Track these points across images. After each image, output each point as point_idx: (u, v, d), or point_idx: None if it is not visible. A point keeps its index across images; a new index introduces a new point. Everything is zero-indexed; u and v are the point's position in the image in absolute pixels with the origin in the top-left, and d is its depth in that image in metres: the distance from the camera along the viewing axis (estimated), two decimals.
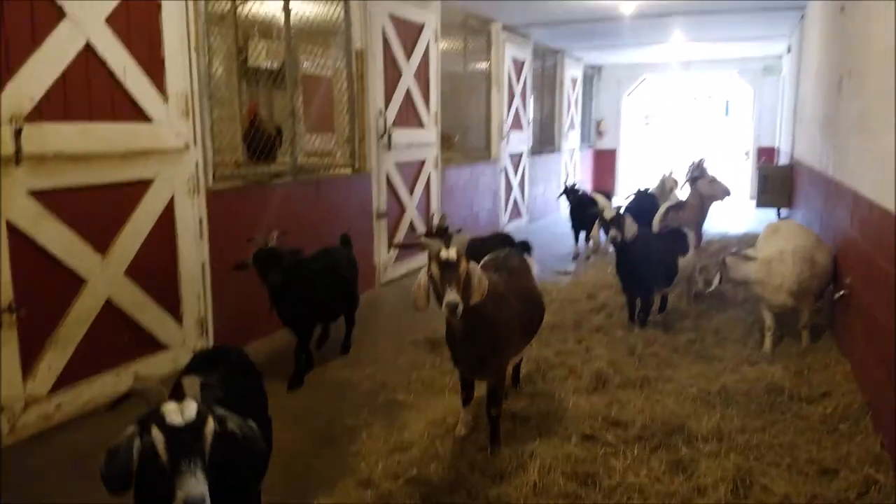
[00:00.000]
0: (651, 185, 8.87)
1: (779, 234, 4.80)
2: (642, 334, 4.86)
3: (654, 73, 15.40)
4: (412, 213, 7.50)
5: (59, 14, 3.48)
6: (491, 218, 9.89)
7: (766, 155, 13.47)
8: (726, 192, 6.90)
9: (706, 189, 6.46)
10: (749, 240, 8.50)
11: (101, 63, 3.71)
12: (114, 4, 3.76)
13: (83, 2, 3.58)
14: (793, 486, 2.84)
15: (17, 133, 3.27)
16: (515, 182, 10.80)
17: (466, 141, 9.40)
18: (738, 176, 15.50)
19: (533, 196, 11.64)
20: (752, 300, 5.24)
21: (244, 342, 4.66)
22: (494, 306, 2.95)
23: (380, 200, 6.83)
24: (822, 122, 6.38)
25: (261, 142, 5.38)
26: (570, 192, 8.38)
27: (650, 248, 4.99)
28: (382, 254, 6.95)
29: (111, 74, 3.77)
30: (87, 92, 3.65)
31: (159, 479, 1.45)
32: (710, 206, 6.96)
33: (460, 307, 2.66)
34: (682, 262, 5.09)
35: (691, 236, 5.36)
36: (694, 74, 15.72)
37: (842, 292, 4.30)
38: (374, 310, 6.02)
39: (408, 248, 3.42)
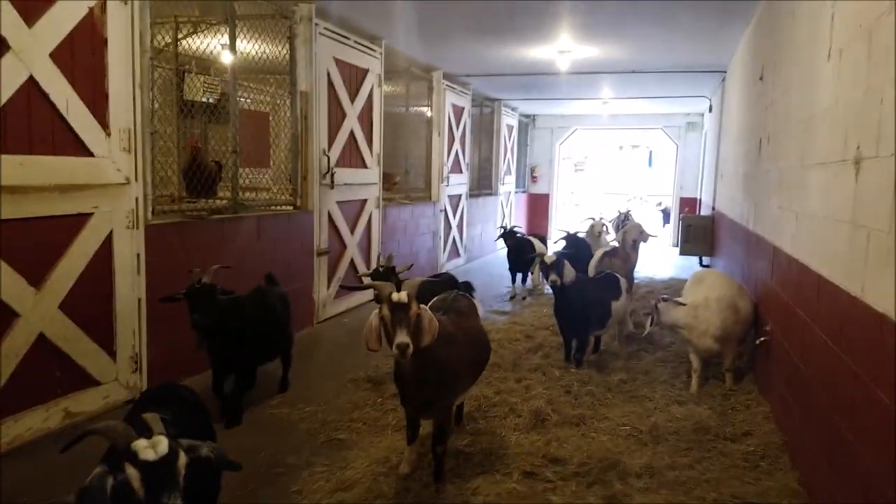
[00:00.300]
0: (580, 228, 9.27)
1: (704, 282, 5.12)
2: (578, 374, 5.04)
3: (585, 125, 16.24)
4: (353, 251, 7.56)
5: (4, 47, 3.45)
6: (430, 257, 10.05)
7: (688, 205, 14.33)
8: (647, 238, 7.33)
9: (634, 234, 6.82)
10: (674, 285, 9.00)
11: (44, 97, 3.67)
12: (59, 39, 3.74)
13: (28, 35, 3.55)
14: None
15: None
16: (454, 223, 11.05)
17: (407, 181, 9.59)
18: (661, 223, 16.40)
19: (471, 236, 11.92)
20: (679, 343, 5.56)
21: (178, 379, 4.54)
22: (443, 348, 3.02)
23: (321, 238, 6.87)
24: (742, 179, 6.84)
25: (202, 177, 5.36)
26: (509, 236, 8.66)
27: (586, 291, 5.24)
28: (322, 291, 6.95)
29: (54, 108, 3.72)
30: (27, 125, 3.59)
31: None
32: (637, 251, 7.34)
33: (410, 349, 2.72)
34: (615, 305, 5.33)
35: (623, 281, 5.64)
36: (621, 127, 16.65)
37: (762, 339, 4.57)
38: (313, 347, 6.00)
39: (357, 289, 3.44)
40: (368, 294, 7.93)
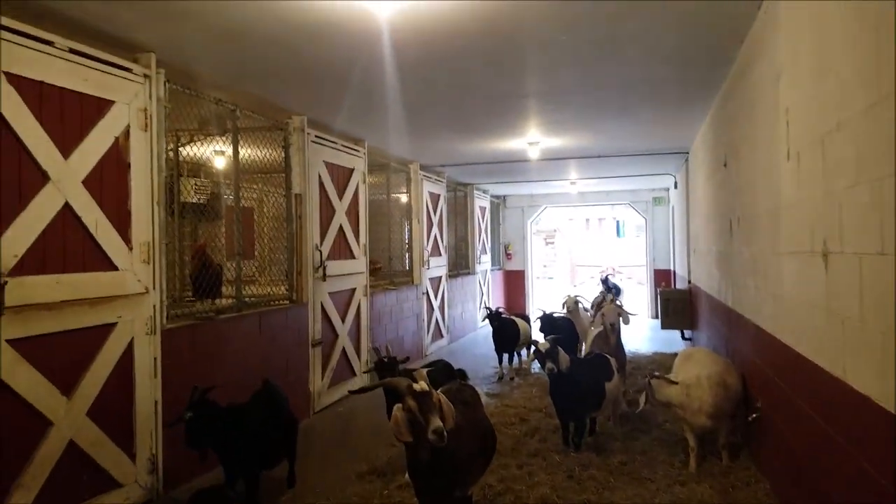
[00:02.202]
0: (555, 306, 9.51)
1: (692, 360, 5.28)
2: (578, 458, 5.14)
3: (554, 203, 17.10)
4: (344, 340, 7.89)
5: (44, 178, 3.87)
6: (415, 340, 10.38)
7: (662, 277, 14.92)
8: (627, 320, 7.50)
9: (612, 317, 7.00)
10: (659, 359, 9.29)
11: (77, 219, 4.07)
12: (90, 167, 4.19)
13: (64, 166, 4.00)
14: None
15: (1, 287, 3.53)
16: (436, 304, 11.46)
17: (390, 266, 10.05)
18: (637, 295, 16.98)
19: (452, 316, 12.31)
20: (672, 420, 5.69)
21: (191, 478, 4.77)
22: (456, 439, 3.14)
23: (315, 329, 7.20)
24: (717, 257, 7.06)
25: (209, 280, 5.74)
26: (494, 317, 8.89)
27: (580, 374, 5.39)
28: (317, 381, 7.21)
29: (85, 229, 4.12)
30: (62, 246, 3.98)
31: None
32: (618, 332, 7.53)
33: (446, 433, 2.88)
34: (609, 386, 5.51)
35: (613, 361, 5.85)
36: (590, 204, 17.52)
37: (754, 415, 4.66)
38: (313, 438, 6.15)
39: (372, 389, 3.66)
40: (361, 381, 8.23)
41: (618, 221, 35.71)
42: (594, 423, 5.82)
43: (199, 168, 8.10)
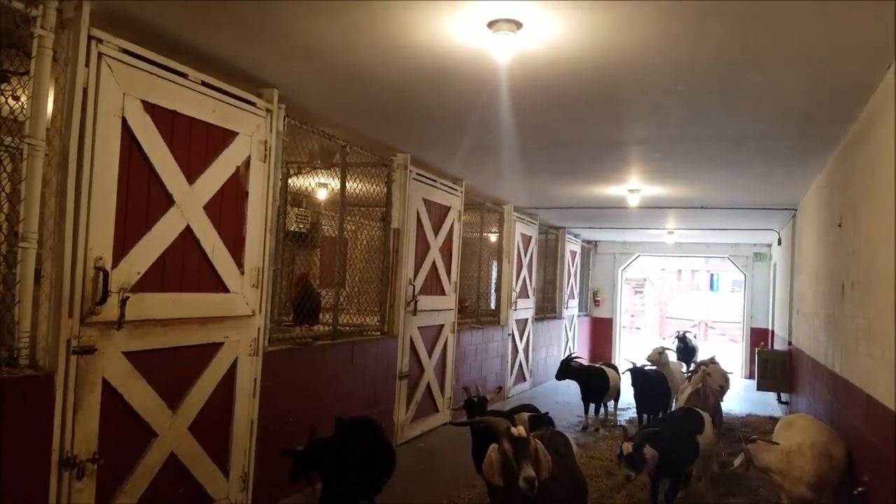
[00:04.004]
0: (642, 358, 9.06)
1: (794, 427, 5.03)
2: None
3: (648, 252, 16.58)
4: (430, 375, 7.89)
5: (170, 201, 4.14)
6: (498, 381, 10.22)
7: (759, 336, 14.10)
8: (717, 389, 7.11)
9: (720, 380, 6.67)
10: (753, 421, 8.81)
11: (196, 243, 4.32)
12: (212, 194, 4.46)
13: (189, 192, 4.27)
14: None
15: (123, 302, 3.77)
16: (521, 346, 11.29)
17: (478, 306, 10.02)
18: (730, 356, 16.05)
19: (536, 360, 12.07)
20: (767, 487, 5.40)
21: (281, 497, 4.88)
22: (549, 489, 3.08)
23: (403, 362, 7.26)
24: (825, 321, 6.66)
25: (310, 306, 5.93)
26: (579, 368, 8.66)
27: (675, 430, 5.18)
28: (402, 413, 7.23)
29: (202, 252, 4.37)
30: (181, 267, 4.22)
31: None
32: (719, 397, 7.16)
33: (537, 482, 2.83)
34: (701, 439, 5.28)
35: (706, 416, 5.60)
36: (686, 255, 16.87)
37: (860, 489, 4.39)
38: (396, 472, 6.16)
39: (471, 424, 3.69)
40: (443, 417, 8.20)
41: (712, 275, 34.14)
42: (688, 478, 5.57)
43: (300, 198, 8.50)
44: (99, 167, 3.59)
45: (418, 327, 7.58)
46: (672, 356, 9.74)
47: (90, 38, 3.50)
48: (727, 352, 17.86)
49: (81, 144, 3.49)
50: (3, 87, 3.66)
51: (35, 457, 3.32)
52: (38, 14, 3.32)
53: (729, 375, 6.80)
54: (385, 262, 7.03)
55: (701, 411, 5.70)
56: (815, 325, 7.42)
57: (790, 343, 10.07)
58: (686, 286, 32.82)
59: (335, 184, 7.39)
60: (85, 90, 3.49)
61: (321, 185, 8.37)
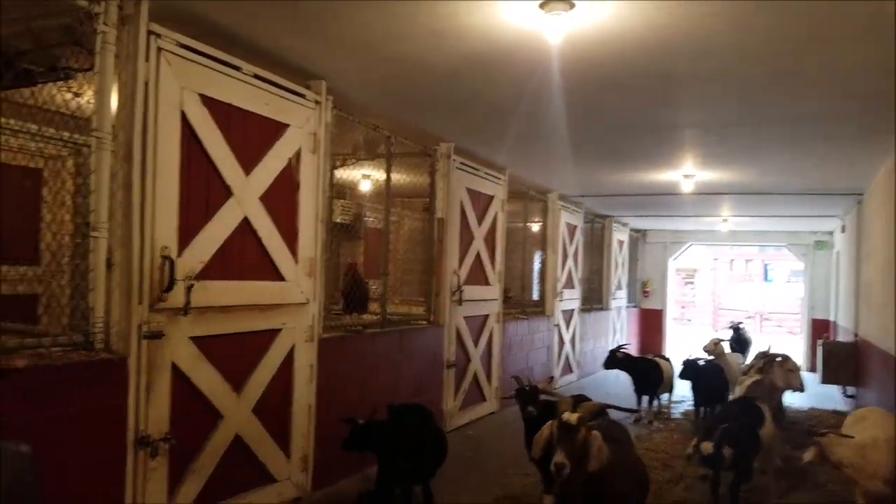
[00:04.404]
0: (694, 351, 8.83)
1: (867, 421, 4.85)
2: None
3: (700, 241, 16.18)
4: (476, 364, 7.93)
5: (228, 193, 4.28)
6: (545, 372, 10.16)
7: (820, 327, 13.65)
8: (800, 388, 6.85)
9: (781, 378, 6.48)
10: (817, 415, 8.54)
11: (253, 232, 4.46)
12: (267, 185, 4.59)
13: (245, 183, 4.40)
14: None
15: (188, 289, 3.92)
16: (567, 337, 11.21)
17: (523, 296, 9.99)
18: (789, 348, 15.53)
19: (583, 352, 11.97)
20: (836, 482, 5.25)
21: (339, 479, 5.04)
22: (610, 478, 3.07)
23: (449, 351, 7.31)
24: None
25: (359, 295, 6.03)
26: (630, 359, 8.55)
27: (738, 422, 4.98)
28: (449, 402, 7.29)
29: (259, 242, 4.50)
30: (240, 256, 4.37)
31: None
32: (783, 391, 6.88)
33: (567, 469, 2.85)
34: (763, 433, 5.11)
35: (766, 408, 5.42)
36: (741, 244, 16.38)
37: None
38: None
39: (529, 401, 3.84)
40: (491, 407, 8.22)
41: (766, 265, 33.10)
42: (750, 473, 5.32)
43: (345, 190, 8.65)
44: (161, 159, 3.74)
45: (464, 317, 7.62)
46: (726, 348, 9.51)
47: (149, 33, 3.64)
48: (785, 344, 17.31)
49: (144, 137, 3.65)
50: (69, 84, 3.85)
51: (112, 435, 3.51)
52: (101, 11, 3.47)
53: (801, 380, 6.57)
54: (429, 252, 7.09)
55: (760, 403, 5.50)
56: (887, 317, 7.12)
57: (856, 335, 9.71)
58: (739, 276, 31.92)
59: (378, 175, 7.47)
60: (146, 84, 3.64)
61: (365, 177, 8.49)
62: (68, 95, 3.65)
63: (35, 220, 4.46)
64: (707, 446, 4.72)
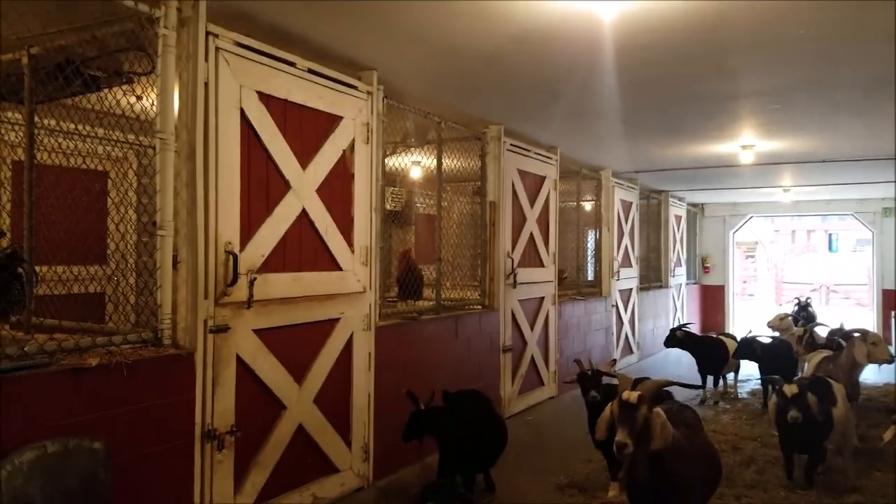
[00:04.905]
0: (757, 328, 8.49)
1: None
2: (806, 495, 4.72)
3: (762, 213, 15.56)
4: (533, 348, 7.87)
5: (286, 187, 4.34)
6: (604, 354, 10.03)
7: (892, 298, 13.03)
8: (889, 359, 6.53)
9: (861, 354, 6.15)
10: (893, 391, 8.13)
11: (311, 224, 4.51)
12: (322, 177, 4.63)
13: (302, 176, 4.45)
14: None
15: (251, 283, 4.01)
16: (626, 318, 11.00)
17: (578, 277, 9.84)
18: (859, 320, 14.87)
19: (643, 332, 11.73)
20: None
21: (399, 468, 5.08)
22: (677, 460, 3.06)
23: (505, 336, 7.28)
24: None
25: (414, 282, 6.06)
26: (691, 338, 8.33)
27: (808, 401, 4.83)
28: (507, 387, 7.28)
29: (317, 233, 4.56)
30: (299, 248, 4.44)
31: None
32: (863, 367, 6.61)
33: (628, 448, 2.85)
34: (835, 412, 4.93)
35: (838, 387, 5.20)
36: (805, 214, 15.71)
37: None
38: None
39: (590, 386, 3.88)
40: (549, 391, 8.17)
41: (830, 234, 31.66)
42: (823, 454, 5.21)
43: (395, 178, 8.66)
44: (223, 157, 3.82)
45: (519, 300, 7.56)
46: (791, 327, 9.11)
47: (208, 34, 3.70)
48: (854, 316, 16.59)
49: (206, 136, 3.72)
50: (133, 87, 3.96)
51: (181, 429, 3.63)
52: (161, 14, 3.54)
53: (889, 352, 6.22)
54: (482, 235, 7.04)
55: (832, 381, 5.27)
56: None
57: None
58: (802, 248, 30.63)
59: (428, 161, 7.44)
60: (206, 84, 3.71)
61: (415, 164, 8.48)
62: (132, 99, 3.75)
63: (103, 220, 4.64)
64: (791, 388, 4.69)
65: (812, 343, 7.19)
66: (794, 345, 7.55)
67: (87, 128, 3.90)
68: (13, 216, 4.28)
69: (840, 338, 6.55)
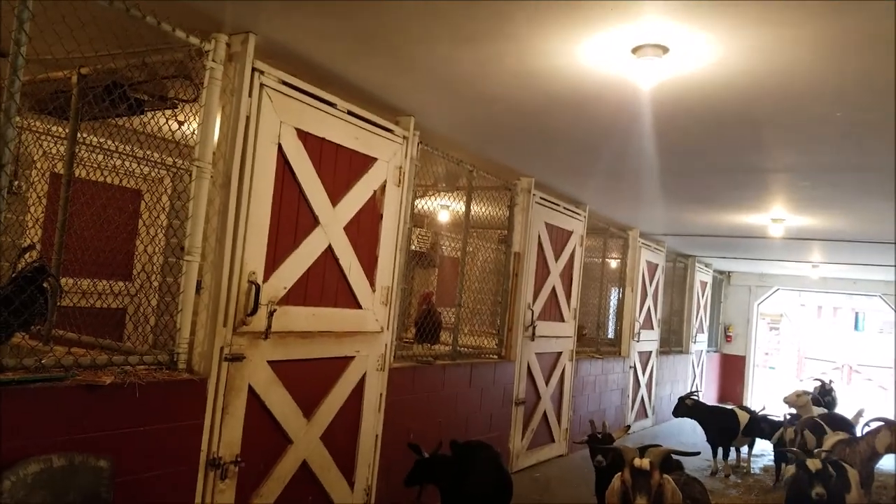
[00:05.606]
0: (772, 404, 8.32)
1: None
2: None
3: (788, 286, 15.32)
4: (546, 403, 7.74)
5: (315, 222, 4.40)
6: (618, 416, 9.83)
7: None
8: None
9: (883, 444, 5.93)
10: None
11: (335, 261, 4.55)
12: (351, 215, 4.69)
13: (332, 213, 4.52)
14: None
15: (271, 314, 4.04)
16: (643, 381, 10.79)
17: (598, 335, 9.71)
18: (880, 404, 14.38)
19: (659, 397, 11.48)
20: None
21: None
22: None
23: (519, 388, 7.18)
24: None
25: (432, 326, 6.04)
26: (698, 407, 8.17)
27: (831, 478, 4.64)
28: (517, 441, 7.14)
29: (340, 270, 4.59)
30: (321, 283, 4.47)
31: None
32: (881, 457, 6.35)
33: None
34: (849, 499, 4.78)
35: (853, 472, 5.07)
36: (831, 292, 15.45)
37: None
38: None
39: (598, 449, 3.78)
40: (559, 449, 7.99)
41: (857, 313, 30.90)
42: None
43: (423, 219, 8.74)
44: (257, 189, 3.90)
45: (536, 353, 7.48)
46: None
47: (254, 69, 3.82)
48: (875, 399, 16.03)
49: (242, 168, 3.81)
50: (175, 112, 4.10)
51: (186, 455, 3.61)
52: (210, 48, 3.69)
53: None
54: (504, 284, 7.03)
55: (845, 465, 5.12)
56: None
57: None
58: (827, 324, 29.89)
59: (456, 206, 7.52)
60: (248, 118, 3.82)
61: (443, 207, 8.57)
62: (174, 125, 3.87)
63: (132, 239, 4.74)
64: (815, 462, 4.50)
65: (804, 447, 6.77)
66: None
67: (128, 147, 4.02)
68: (45, 226, 4.39)
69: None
